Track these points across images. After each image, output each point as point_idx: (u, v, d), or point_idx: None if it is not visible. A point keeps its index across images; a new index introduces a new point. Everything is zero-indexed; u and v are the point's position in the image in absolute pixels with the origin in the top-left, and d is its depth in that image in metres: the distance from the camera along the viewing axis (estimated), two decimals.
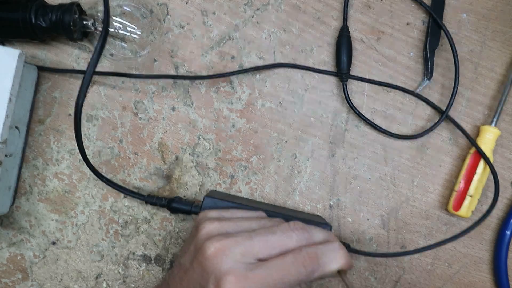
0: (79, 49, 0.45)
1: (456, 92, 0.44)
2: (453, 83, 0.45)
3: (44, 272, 0.46)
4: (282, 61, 0.46)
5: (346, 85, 0.45)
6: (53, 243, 0.45)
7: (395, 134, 0.45)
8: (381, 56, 0.46)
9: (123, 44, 0.43)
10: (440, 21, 0.45)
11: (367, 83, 0.46)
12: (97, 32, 0.42)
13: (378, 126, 0.45)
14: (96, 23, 0.41)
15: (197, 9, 0.45)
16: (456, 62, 0.44)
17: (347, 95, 0.45)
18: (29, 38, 0.42)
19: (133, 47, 0.43)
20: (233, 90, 0.46)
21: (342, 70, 0.44)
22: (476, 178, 0.44)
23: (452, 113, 0.46)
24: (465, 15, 0.46)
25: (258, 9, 0.46)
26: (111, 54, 0.44)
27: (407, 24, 0.46)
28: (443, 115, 0.44)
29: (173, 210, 0.42)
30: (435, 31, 0.45)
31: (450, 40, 0.44)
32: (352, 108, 0.45)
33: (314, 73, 0.46)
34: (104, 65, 0.45)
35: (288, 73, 0.46)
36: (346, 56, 0.44)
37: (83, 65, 0.45)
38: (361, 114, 0.45)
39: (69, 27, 0.40)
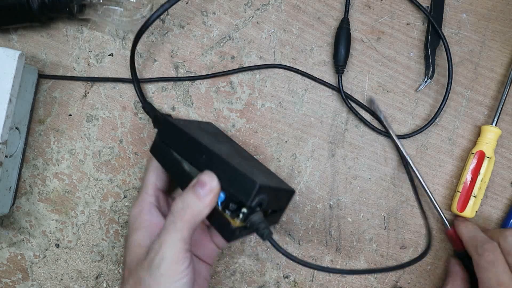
0: (79, 49, 0.45)
1: (445, 103, 0.45)
2: (444, 93, 0.45)
3: (44, 272, 0.46)
4: (282, 61, 0.46)
5: (341, 77, 0.45)
6: (57, 245, 0.45)
7: (383, 131, 0.45)
8: (381, 56, 0.46)
9: (119, 8, 0.43)
10: (438, 28, 0.45)
11: (367, 83, 0.46)
12: (93, 2, 0.41)
13: (367, 121, 0.45)
14: None
15: (197, 9, 0.45)
16: (450, 70, 0.44)
17: (341, 87, 0.45)
18: (28, 21, 0.42)
19: (130, 12, 0.43)
20: (233, 90, 0.46)
21: (338, 62, 0.44)
22: (479, 178, 0.44)
23: (452, 113, 0.46)
24: (465, 15, 0.46)
25: (258, 9, 0.46)
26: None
27: (407, 24, 0.46)
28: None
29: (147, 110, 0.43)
30: (435, 30, 0.45)
31: (446, 45, 0.44)
32: (345, 101, 0.45)
33: (314, 73, 0.46)
34: (104, 64, 0.45)
35: (288, 73, 0.46)
36: (344, 48, 0.44)
37: (83, 65, 0.45)
38: (352, 108, 0.45)
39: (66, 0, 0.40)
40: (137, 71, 0.45)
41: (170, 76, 0.45)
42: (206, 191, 0.32)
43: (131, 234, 0.37)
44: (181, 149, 0.36)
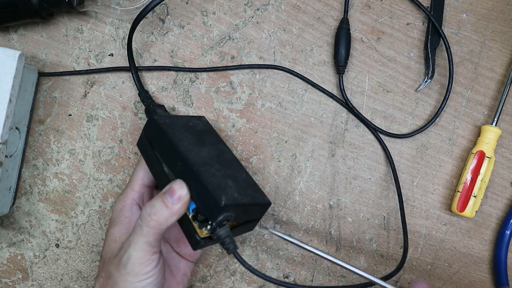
0: (79, 49, 0.45)
1: (445, 103, 0.45)
2: (445, 93, 0.45)
3: (44, 272, 0.46)
4: (282, 61, 0.46)
5: (342, 78, 0.45)
6: (57, 245, 0.45)
7: (385, 131, 0.45)
8: (381, 56, 0.46)
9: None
10: (439, 27, 0.45)
11: (367, 83, 0.46)
12: None
13: (368, 120, 0.45)
14: None
15: (197, 9, 0.45)
16: (451, 68, 0.44)
17: (342, 88, 0.45)
18: (29, 17, 0.42)
19: (130, 1, 0.43)
20: (233, 90, 0.46)
21: (339, 62, 0.44)
22: (479, 178, 0.44)
23: (452, 113, 0.46)
24: (465, 15, 0.46)
25: (258, 9, 0.46)
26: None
27: (407, 24, 0.46)
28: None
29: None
30: (435, 29, 0.45)
31: (447, 44, 0.44)
32: (346, 101, 0.45)
33: (314, 73, 0.46)
34: (104, 64, 0.45)
35: (288, 73, 0.46)
36: (344, 48, 0.44)
37: (83, 65, 0.45)
38: (354, 107, 0.45)
39: None
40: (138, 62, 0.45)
41: (170, 78, 0.45)
42: (174, 200, 0.32)
43: (110, 227, 0.38)
44: (161, 150, 0.36)
